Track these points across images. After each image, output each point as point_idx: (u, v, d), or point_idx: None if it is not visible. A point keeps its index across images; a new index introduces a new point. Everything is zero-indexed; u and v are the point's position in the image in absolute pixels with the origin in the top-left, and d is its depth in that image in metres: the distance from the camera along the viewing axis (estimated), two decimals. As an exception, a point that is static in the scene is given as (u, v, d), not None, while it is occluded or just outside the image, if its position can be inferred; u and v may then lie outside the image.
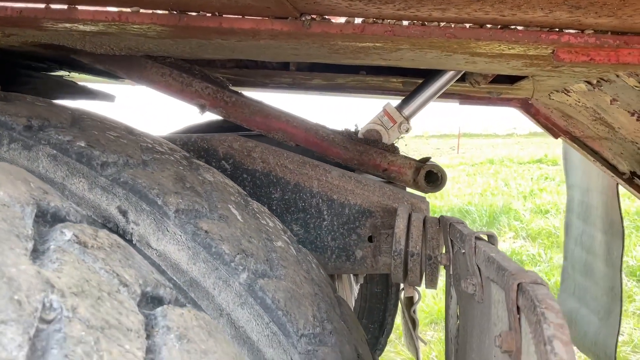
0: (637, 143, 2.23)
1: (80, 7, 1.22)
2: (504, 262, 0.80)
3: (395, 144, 1.87)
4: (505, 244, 7.52)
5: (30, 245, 0.50)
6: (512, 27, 1.12)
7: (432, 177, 1.72)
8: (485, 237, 0.99)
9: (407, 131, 1.87)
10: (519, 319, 0.70)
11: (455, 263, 1.16)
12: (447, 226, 1.23)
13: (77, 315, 0.46)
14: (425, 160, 1.80)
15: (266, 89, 3.19)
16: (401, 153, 1.91)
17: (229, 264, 0.84)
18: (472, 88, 2.54)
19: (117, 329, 0.48)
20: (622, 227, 3.17)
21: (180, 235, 0.83)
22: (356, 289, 2.26)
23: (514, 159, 17.02)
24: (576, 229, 3.73)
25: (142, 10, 1.21)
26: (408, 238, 1.28)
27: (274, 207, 1.49)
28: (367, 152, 1.76)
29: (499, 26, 1.12)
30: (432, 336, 4.78)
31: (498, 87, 2.36)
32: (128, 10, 1.21)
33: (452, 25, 1.13)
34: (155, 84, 1.89)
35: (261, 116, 1.86)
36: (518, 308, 0.70)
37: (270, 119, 1.86)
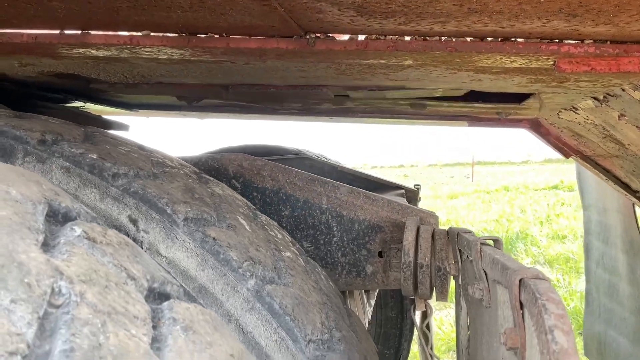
0: (648, 159, 2.22)
1: (93, 32, 1.26)
2: (507, 262, 0.81)
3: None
4: (522, 270, 7.43)
5: (41, 237, 0.52)
6: (512, 39, 1.14)
7: None
8: (491, 242, 0.99)
9: None
10: (522, 314, 0.70)
11: (464, 272, 1.17)
12: (455, 236, 1.24)
13: (85, 300, 0.48)
14: None
15: (276, 116, 3.23)
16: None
17: (236, 270, 0.85)
18: (481, 109, 2.57)
19: (124, 315, 0.50)
20: None
21: (189, 243, 0.85)
22: (369, 310, 2.26)
23: (529, 186, 16.91)
24: (596, 251, 3.67)
25: (152, 34, 1.25)
26: (417, 250, 1.29)
27: (284, 224, 1.51)
28: None
29: (500, 39, 1.14)
30: (450, 364, 4.71)
31: (506, 106, 2.38)
32: (139, 34, 1.26)
33: (453, 39, 1.15)
34: None
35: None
36: (521, 304, 0.71)
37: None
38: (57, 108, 2.64)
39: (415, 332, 2.06)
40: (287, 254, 1.02)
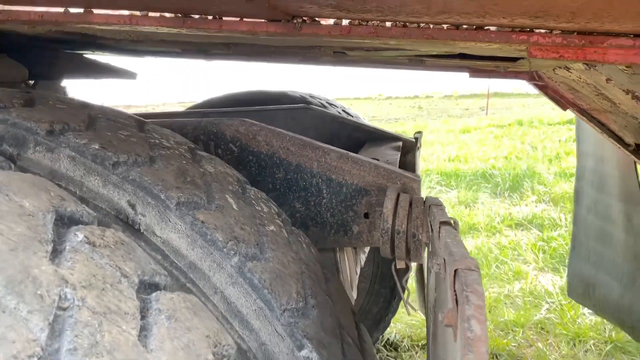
0: (637, 118, 2.29)
1: (95, 11, 1.35)
2: (453, 248, 0.93)
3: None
4: (527, 208, 7.57)
5: (50, 247, 0.65)
6: (486, 28, 1.21)
7: None
8: (452, 222, 1.11)
9: None
10: (456, 299, 0.83)
11: (432, 242, 1.29)
12: (428, 208, 1.35)
13: (85, 304, 0.60)
14: None
15: (277, 61, 3.29)
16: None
17: (222, 250, 0.98)
18: (479, 64, 2.61)
19: (117, 313, 0.63)
20: None
21: (180, 225, 0.98)
22: (362, 257, 2.41)
23: (543, 120, 16.76)
24: (588, 197, 3.76)
25: (150, 14, 1.33)
26: (394, 218, 1.41)
27: (278, 187, 1.63)
28: None
29: (474, 26, 1.21)
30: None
31: (502, 64, 2.43)
32: (138, 13, 1.34)
33: (431, 26, 1.23)
34: None
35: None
36: (455, 291, 0.84)
37: None
38: (66, 57, 2.72)
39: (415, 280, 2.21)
40: (271, 227, 1.15)
